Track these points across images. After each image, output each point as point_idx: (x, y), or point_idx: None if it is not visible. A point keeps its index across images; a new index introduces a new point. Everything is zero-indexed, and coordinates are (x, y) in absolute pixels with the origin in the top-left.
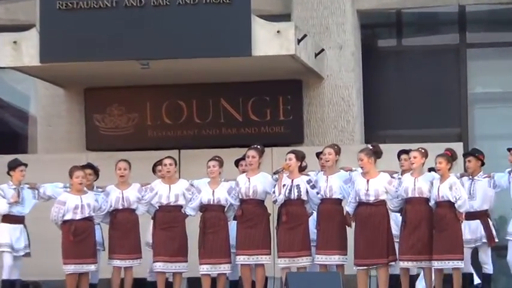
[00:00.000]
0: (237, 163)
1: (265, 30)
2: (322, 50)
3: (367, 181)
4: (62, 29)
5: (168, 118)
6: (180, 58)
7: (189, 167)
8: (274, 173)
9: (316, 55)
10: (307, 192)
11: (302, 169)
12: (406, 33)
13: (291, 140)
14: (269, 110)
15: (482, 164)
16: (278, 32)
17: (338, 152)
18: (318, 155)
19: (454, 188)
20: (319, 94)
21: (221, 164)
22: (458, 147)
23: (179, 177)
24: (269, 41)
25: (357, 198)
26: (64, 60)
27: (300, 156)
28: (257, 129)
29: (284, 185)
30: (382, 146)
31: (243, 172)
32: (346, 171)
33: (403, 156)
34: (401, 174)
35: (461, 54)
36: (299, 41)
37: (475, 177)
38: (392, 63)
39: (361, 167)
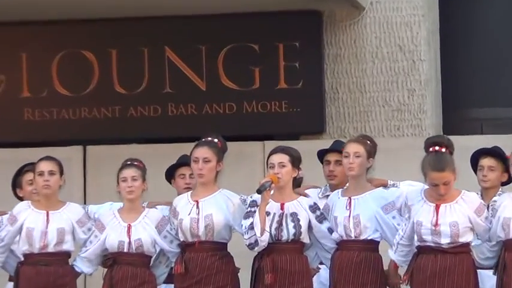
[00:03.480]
0: (171, 173)
1: None
2: None
3: (436, 208)
4: None
5: (63, 85)
6: None
7: (102, 178)
8: (259, 192)
9: None
10: (309, 227)
11: (297, 185)
12: None
13: (301, 126)
14: (258, 70)
15: None
16: None
17: (371, 151)
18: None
19: None
20: (356, 39)
21: (144, 173)
22: None
23: (84, 200)
24: None
25: (417, 237)
26: None
27: (297, 161)
28: (236, 107)
29: (267, 214)
30: (475, 138)
31: (186, 189)
32: (382, 186)
33: (485, 162)
34: (483, 197)
35: None
36: None
37: None
38: None
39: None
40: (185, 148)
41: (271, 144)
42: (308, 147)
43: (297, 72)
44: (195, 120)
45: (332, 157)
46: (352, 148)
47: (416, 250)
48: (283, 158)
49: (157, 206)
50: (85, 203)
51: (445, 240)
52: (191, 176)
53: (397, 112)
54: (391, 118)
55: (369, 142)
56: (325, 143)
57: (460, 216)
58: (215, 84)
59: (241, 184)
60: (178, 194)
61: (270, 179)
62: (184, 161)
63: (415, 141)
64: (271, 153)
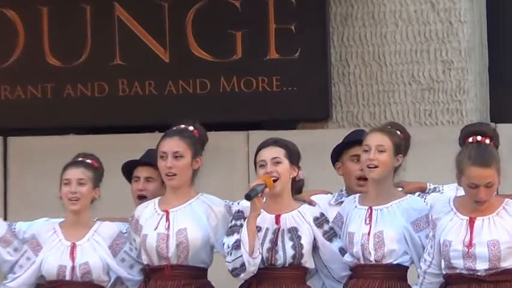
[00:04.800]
0: (129, 172)
1: None
2: None
3: (470, 222)
4: None
5: None
6: None
7: (28, 179)
8: (248, 198)
9: None
10: (315, 247)
11: (297, 189)
12: None
13: (299, 111)
14: (241, 35)
15: None
16: None
17: (400, 144)
18: (339, 151)
19: None
20: None
21: (98, 175)
22: None
23: (4, 208)
24: None
25: (444, 262)
26: None
27: (295, 155)
28: (210, 85)
29: (258, 230)
30: None
31: (139, 198)
32: (420, 191)
33: None
34: None
35: None
36: None
37: None
38: None
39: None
40: (141, 140)
41: (257, 135)
42: (308, 140)
43: (293, 38)
44: (155, 102)
45: (359, 151)
46: (375, 140)
47: (443, 280)
48: (278, 152)
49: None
50: (5, 213)
51: (481, 266)
52: (148, 179)
53: (428, 92)
54: (420, 100)
55: (398, 132)
56: (331, 134)
57: (502, 232)
58: (182, 53)
59: (217, 188)
60: (137, 204)
61: (263, 181)
62: (143, 160)
63: (453, 132)
64: (260, 148)
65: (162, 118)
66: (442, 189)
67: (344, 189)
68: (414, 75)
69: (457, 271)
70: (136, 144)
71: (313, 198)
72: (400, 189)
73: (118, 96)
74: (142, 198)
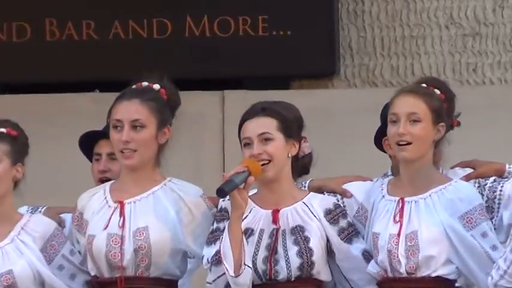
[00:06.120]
0: (89, 149)
1: None
2: None
3: None
4: None
5: None
6: None
7: None
8: (221, 193)
9: None
10: (330, 251)
11: (301, 170)
12: None
13: (293, 64)
14: None
15: None
16: None
17: (441, 108)
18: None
19: None
20: None
21: (19, 147)
22: None
23: None
24: None
25: None
26: None
27: (294, 124)
28: (172, 27)
29: (248, 233)
30: None
31: (101, 181)
32: (497, 175)
33: None
34: None
35: None
36: None
37: None
38: None
39: None
40: (76, 102)
41: (236, 96)
42: (307, 104)
43: None
44: (95, 50)
45: None
46: (405, 106)
47: None
48: (267, 124)
49: (62, 215)
50: None
51: None
52: (112, 156)
53: (472, 39)
54: (462, 50)
55: (438, 92)
56: (338, 96)
57: None
58: None
59: (181, 167)
60: None
61: (246, 167)
62: (106, 131)
63: (506, 93)
64: (244, 119)
65: (105, 72)
66: None
67: (390, 173)
68: (453, 15)
69: None
70: (69, 108)
71: (348, 186)
72: (463, 171)
73: (45, 41)
74: (105, 181)
